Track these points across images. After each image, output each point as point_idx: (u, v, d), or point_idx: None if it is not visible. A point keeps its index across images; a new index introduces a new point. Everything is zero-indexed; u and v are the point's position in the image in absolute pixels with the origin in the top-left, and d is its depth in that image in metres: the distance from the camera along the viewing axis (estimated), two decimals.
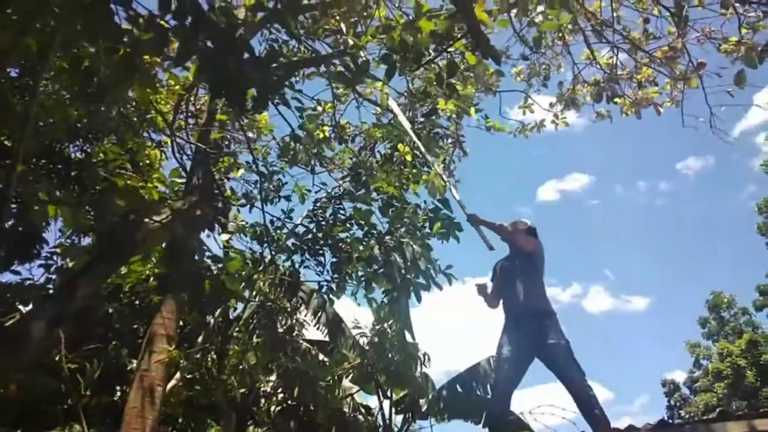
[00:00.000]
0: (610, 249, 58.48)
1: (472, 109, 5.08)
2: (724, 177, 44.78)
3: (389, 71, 2.88)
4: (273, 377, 5.71)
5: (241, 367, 5.33)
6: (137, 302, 5.71)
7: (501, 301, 4.83)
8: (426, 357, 6.00)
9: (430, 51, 2.81)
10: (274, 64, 2.17)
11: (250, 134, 5.37)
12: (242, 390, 4.96)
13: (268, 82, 2.10)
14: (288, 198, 5.40)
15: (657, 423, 3.48)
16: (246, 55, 1.89)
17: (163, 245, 3.94)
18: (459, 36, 2.72)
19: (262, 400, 5.33)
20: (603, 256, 57.79)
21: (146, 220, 2.85)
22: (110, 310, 5.42)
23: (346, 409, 6.43)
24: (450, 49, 3.04)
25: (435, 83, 3.62)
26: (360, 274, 5.20)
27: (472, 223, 4.78)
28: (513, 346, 4.48)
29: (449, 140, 6.55)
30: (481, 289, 4.79)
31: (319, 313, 7.13)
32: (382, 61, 2.89)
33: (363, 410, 7.24)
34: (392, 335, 5.93)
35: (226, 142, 5.38)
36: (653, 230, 53.54)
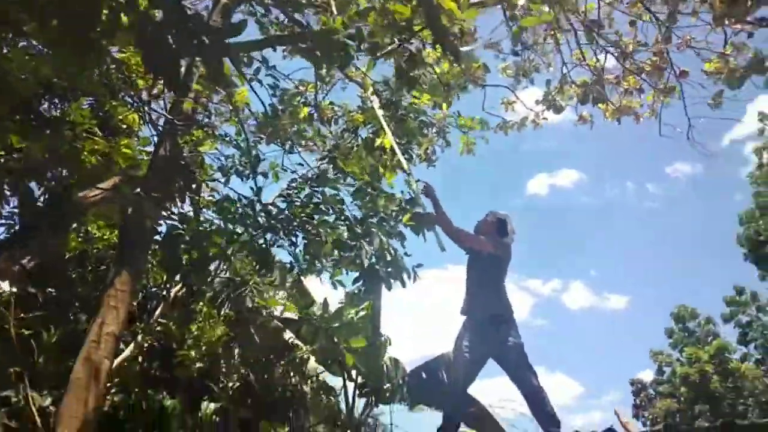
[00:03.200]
0: (594, 247, 59.05)
1: (444, 105, 5.01)
2: (712, 184, 45.23)
3: (371, 50, 2.82)
4: (235, 353, 5.69)
5: (202, 342, 5.30)
6: (103, 268, 5.64)
7: (466, 294, 4.86)
8: (388, 341, 6.02)
9: (395, 39, 2.74)
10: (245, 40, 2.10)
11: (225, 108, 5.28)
12: (201, 365, 4.92)
13: (224, 56, 2.02)
14: (265, 175, 5.33)
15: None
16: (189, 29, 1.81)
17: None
18: (421, 27, 2.65)
19: (222, 377, 5.29)
20: (587, 253, 58.38)
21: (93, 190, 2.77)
22: (74, 276, 5.35)
23: (307, 389, 6.43)
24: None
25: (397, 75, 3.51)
26: (332, 258, 5.18)
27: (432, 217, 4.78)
28: (471, 344, 4.55)
29: (433, 129, 6.49)
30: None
31: (292, 292, 7.11)
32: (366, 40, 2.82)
33: (326, 391, 7.27)
34: (359, 320, 5.91)
35: (203, 114, 5.28)
36: (638, 232, 54.10)
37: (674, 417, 22.81)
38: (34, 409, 3.54)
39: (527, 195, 60.19)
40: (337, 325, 5.04)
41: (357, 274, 4.85)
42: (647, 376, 27.30)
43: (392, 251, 5.09)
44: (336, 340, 5.29)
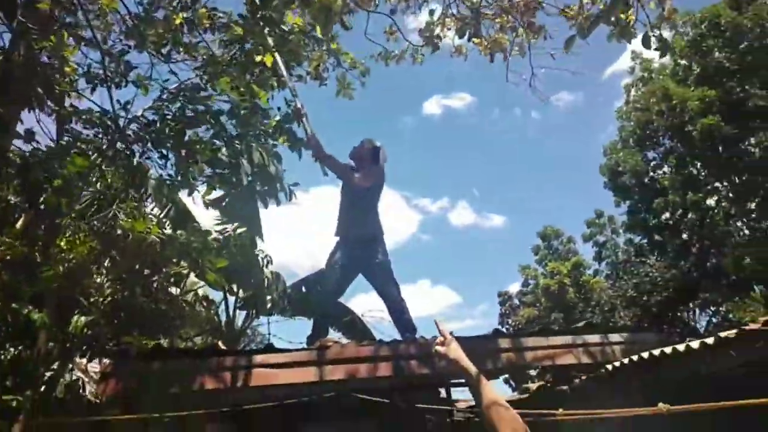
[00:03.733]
0: (480, 168, 62.28)
1: (318, 29, 5.01)
2: (590, 115, 48.84)
3: None
4: (106, 268, 5.59)
5: (70, 256, 5.15)
6: None
7: (339, 216, 5.17)
8: (269, 259, 6.23)
9: None
10: None
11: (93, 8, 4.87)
12: (68, 280, 4.83)
13: None
14: (136, 84, 5.07)
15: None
16: None
17: None
18: None
19: (93, 291, 5.23)
20: (473, 174, 61.57)
21: None
22: None
23: (185, 303, 6.53)
24: None
25: None
26: (206, 174, 5.15)
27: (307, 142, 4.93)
28: (341, 262, 4.97)
29: (323, 46, 6.43)
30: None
31: (168, 208, 6.99)
32: None
33: (206, 304, 7.43)
34: (236, 237, 6.02)
35: (65, 15, 4.84)
36: (519, 156, 57.60)
37: (533, 323, 25.59)
38: None
39: (423, 115, 61.28)
40: (197, 245, 5.11)
41: (226, 192, 4.90)
42: (516, 288, 30.39)
43: (273, 168, 5.18)
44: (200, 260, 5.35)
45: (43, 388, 4.93)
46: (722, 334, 2.36)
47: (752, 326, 2.24)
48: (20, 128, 4.16)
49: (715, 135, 15.01)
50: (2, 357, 5.48)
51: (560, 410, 1.92)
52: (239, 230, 6.06)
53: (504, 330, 25.81)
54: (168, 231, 7.03)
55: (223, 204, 5.87)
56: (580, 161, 50.69)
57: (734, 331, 2.29)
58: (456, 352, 1.96)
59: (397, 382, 3.78)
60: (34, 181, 3.69)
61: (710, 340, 2.41)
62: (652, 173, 19.72)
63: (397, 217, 56.48)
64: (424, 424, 4.57)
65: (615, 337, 3.96)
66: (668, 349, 2.60)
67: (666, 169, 19.13)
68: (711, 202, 18.18)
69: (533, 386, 5.16)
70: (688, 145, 16.46)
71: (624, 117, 21.38)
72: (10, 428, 4.63)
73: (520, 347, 3.83)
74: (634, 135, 19.91)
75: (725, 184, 16.73)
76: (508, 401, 1.88)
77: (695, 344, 2.52)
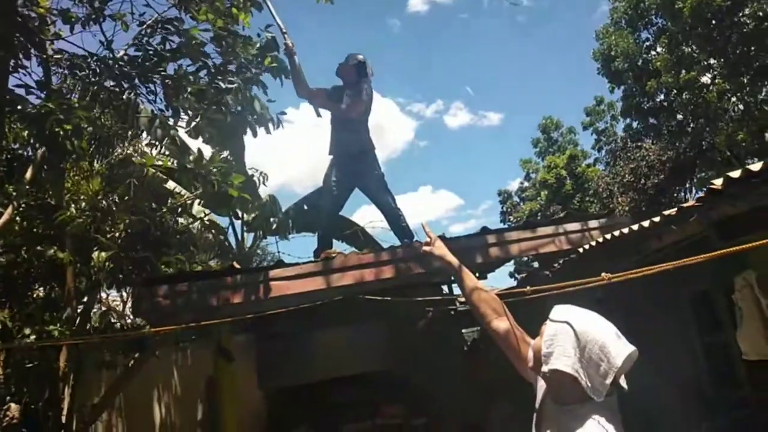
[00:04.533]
0: (472, 64, 60.62)
1: None
2: None
3: None
4: (117, 204, 5.89)
5: (80, 197, 5.44)
6: None
7: (331, 136, 5.38)
8: (264, 176, 6.47)
9: None
10: None
11: None
12: (82, 219, 5.14)
13: None
14: (113, 18, 5.07)
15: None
16: None
17: None
18: None
19: (107, 227, 5.56)
20: (465, 72, 60.08)
21: None
22: None
23: (195, 230, 6.89)
24: None
25: None
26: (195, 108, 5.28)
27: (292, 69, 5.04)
28: (336, 178, 5.25)
29: None
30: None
31: (163, 141, 7.16)
32: None
33: (214, 230, 7.80)
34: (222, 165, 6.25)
35: None
36: (513, 48, 55.76)
37: (535, 215, 26.15)
38: None
39: (408, 13, 58.79)
40: (213, 168, 5.36)
41: (214, 123, 5.04)
42: (517, 185, 30.81)
43: (258, 100, 5.28)
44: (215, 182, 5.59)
45: (77, 320, 5.41)
46: (665, 213, 2.64)
47: (689, 203, 2.50)
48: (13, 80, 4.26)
49: (705, 9, 14.63)
50: (36, 296, 5.94)
51: (528, 288, 2.24)
52: (224, 154, 6.27)
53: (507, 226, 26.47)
54: (169, 164, 7.28)
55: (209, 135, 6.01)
56: (577, 47, 49.16)
57: (674, 210, 2.56)
58: (440, 249, 2.22)
59: (399, 283, 4.16)
60: (51, 131, 3.90)
61: (656, 219, 2.70)
62: (645, 55, 19.38)
63: (393, 125, 55.94)
64: (426, 317, 5.04)
65: (593, 223, 4.28)
66: (625, 230, 2.91)
67: (659, 49, 18.77)
68: (705, 79, 18.00)
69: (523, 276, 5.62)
70: (679, 23, 16.06)
71: None
72: (57, 356, 5.15)
73: (505, 241, 4.18)
74: (625, 15, 19.36)
75: (719, 60, 16.49)
76: (505, 290, 2.20)
77: (645, 224, 2.82)
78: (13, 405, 5.10)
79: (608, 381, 1.57)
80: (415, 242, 4.69)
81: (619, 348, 1.60)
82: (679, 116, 19.14)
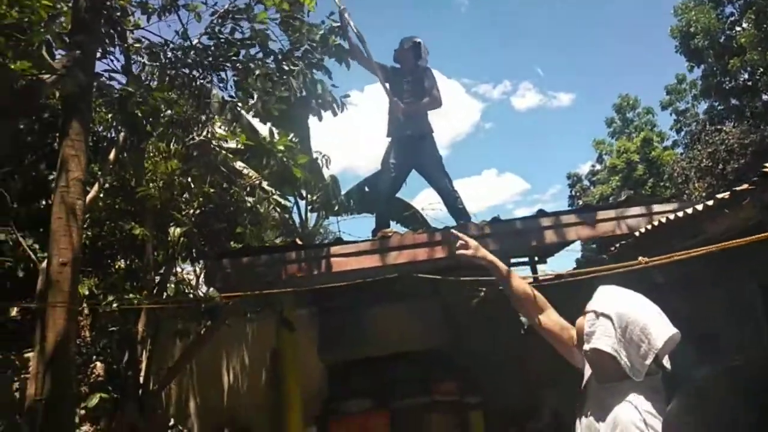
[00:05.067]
0: (541, 44, 58.66)
1: None
2: None
3: None
4: (191, 184, 6.28)
5: (158, 176, 5.85)
6: (47, 117, 5.90)
7: (388, 119, 5.49)
8: (327, 159, 6.68)
9: None
10: None
11: None
12: (161, 196, 5.53)
13: None
14: (187, 8, 5.37)
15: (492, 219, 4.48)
16: None
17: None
18: None
19: (183, 205, 5.95)
20: (534, 52, 58.28)
21: None
22: (21, 126, 5.62)
23: (262, 209, 7.22)
24: None
25: None
26: (263, 92, 5.53)
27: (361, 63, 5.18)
28: (395, 161, 5.37)
29: None
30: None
31: (233, 125, 7.52)
32: None
33: (279, 209, 8.15)
34: (296, 144, 6.50)
35: None
36: (583, 25, 53.44)
37: (606, 200, 25.18)
38: (26, 246, 4.16)
39: None
40: (281, 147, 5.61)
41: (280, 107, 5.26)
42: (587, 169, 29.70)
43: (322, 84, 5.46)
44: (284, 160, 5.83)
45: (155, 290, 5.85)
46: (718, 196, 2.58)
47: (742, 186, 2.43)
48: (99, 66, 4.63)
49: None
50: (118, 267, 6.46)
51: (566, 271, 2.29)
52: (295, 139, 6.53)
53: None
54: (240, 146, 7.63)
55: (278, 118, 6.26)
56: (655, 23, 46.38)
57: (727, 193, 2.50)
58: (481, 251, 2.14)
59: (452, 263, 4.25)
60: (132, 113, 4.25)
61: (710, 202, 2.63)
62: (729, 31, 18.18)
63: (458, 107, 55.19)
64: (479, 297, 5.10)
65: (656, 208, 4.18)
66: (680, 214, 2.86)
67: (744, 25, 17.54)
68: None
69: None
70: None
71: None
72: (136, 323, 5.61)
73: (561, 224, 4.16)
74: None
75: None
76: (535, 276, 2.24)
77: (699, 207, 2.76)
78: (98, 364, 5.63)
79: (648, 361, 1.61)
80: (477, 222, 4.76)
81: (660, 329, 1.64)
82: (765, 97, 17.91)
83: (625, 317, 1.68)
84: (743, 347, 3.88)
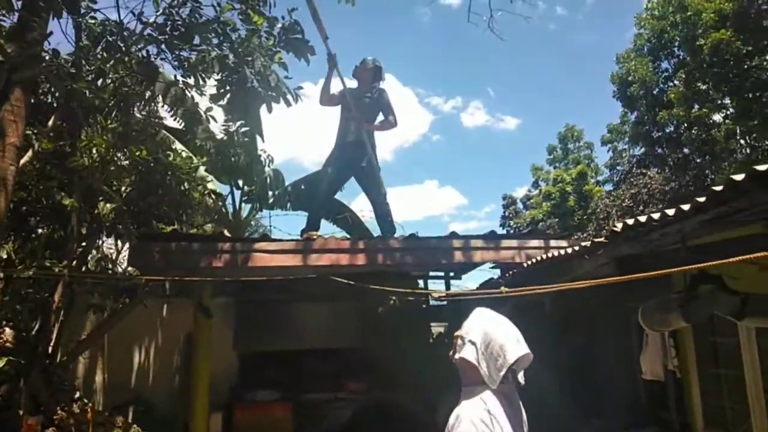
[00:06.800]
0: (496, 65, 60.43)
1: None
2: (615, 14, 46.46)
3: None
4: (126, 161, 6.28)
5: (93, 149, 5.82)
6: None
7: (338, 126, 5.78)
8: (270, 158, 6.88)
9: None
10: None
11: None
12: (93, 169, 5.53)
13: None
14: None
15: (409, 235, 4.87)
16: None
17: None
18: None
19: (114, 181, 5.96)
20: (488, 73, 59.96)
21: None
22: None
23: (196, 195, 7.28)
24: None
25: None
26: (215, 78, 5.66)
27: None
28: (334, 165, 5.66)
29: None
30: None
31: (176, 106, 7.56)
32: None
33: (214, 196, 8.21)
34: (240, 135, 6.63)
35: None
36: (539, 53, 55.60)
37: (536, 224, 26.32)
38: None
39: (438, 4, 58.48)
40: (220, 138, 5.71)
41: (232, 94, 5.40)
42: (522, 192, 30.94)
43: (275, 76, 5.64)
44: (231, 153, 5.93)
45: (75, 262, 5.82)
46: (595, 240, 3.05)
47: (598, 240, 2.88)
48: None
49: (724, 50, 14.85)
50: (39, 235, 6.36)
51: (503, 288, 2.64)
52: (243, 129, 6.67)
53: (504, 232, 26.77)
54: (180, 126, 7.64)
55: (227, 103, 6.36)
56: (604, 65, 48.98)
57: (588, 242, 2.96)
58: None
59: (371, 270, 4.57)
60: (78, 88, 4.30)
61: (577, 248, 3.11)
62: (662, 85, 19.59)
63: (409, 115, 56.01)
64: (395, 305, 5.44)
65: (553, 243, 4.67)
66: (554, 252, 3.32)
67: (676, 82, 18.97)
68: (717, 117, 18.22)
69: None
70: (698, 59, 16.28)
71: (641, 23, 20.78)
72: (52, 293, 5.58)
73: (470, 247, 4.58)
74: (648, 43, 19.54)
75: (731, 101, 16.73)
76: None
77: (569, 250, 3.23)
78: (8, 330, 5.55)
79: (502, 373, 1.99)
80: (398, 237, 5.09)
81: (515, 348, 2.02)
82: (686, 150, 19.38)
83: (489, 335, 2.05)
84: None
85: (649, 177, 20.13)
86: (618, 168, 25.68)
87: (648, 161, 21.28)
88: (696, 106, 17.54)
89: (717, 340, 3.86)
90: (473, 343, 2.07)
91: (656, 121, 19.13)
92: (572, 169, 27.92)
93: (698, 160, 19.34)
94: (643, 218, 2.74)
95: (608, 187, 26.05)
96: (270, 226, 9.32)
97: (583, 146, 29.34)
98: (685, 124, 18.57)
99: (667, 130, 19.88)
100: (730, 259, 1.99)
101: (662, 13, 18.27)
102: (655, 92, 19.52)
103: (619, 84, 20.52)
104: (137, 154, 5.84)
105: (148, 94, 6.77)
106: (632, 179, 21.13)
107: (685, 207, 2.63)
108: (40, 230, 6.24)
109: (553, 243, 4.67)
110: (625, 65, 20.32)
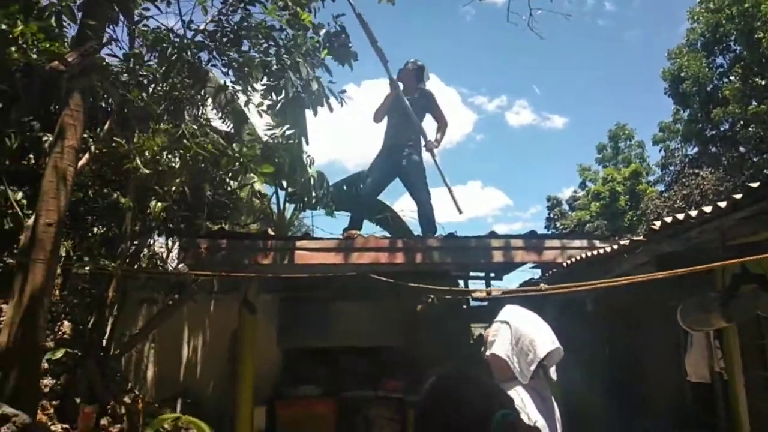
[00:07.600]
0: (542, 63, 59.24)
1: None
2: (666, 8, 44.88)
3: None
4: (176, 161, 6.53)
5: (145, 150, 6.09)
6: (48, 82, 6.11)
7: (384, 129, 5.86)
8: (312, 160, 7.03)
9: None
10: None
11: None
12: (146, 171, 5.79)
13: None
14: None
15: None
16: None
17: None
18: None
19: (166, 181, 6.20)
20: (535, 70, 58.89)
21: None
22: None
23: (243, 195, 7.51)
24: None
25: None
26: (262, 84, 5.83)
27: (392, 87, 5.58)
28: (380, 165, 5.75)
29: None
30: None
31: (226, 109, 7.79)
32: None
33: (259, 196, 8.44)
34: (285, 139, 6.80)
35: None
36: (588, 50, 54.20)
37: (584, 226, 25.70)
38: (14, 202, 4.40)
39: (482, 3, 57.92)
40: (251, 149, 5.86)
41: (278, 100, 5.55)
42: (569, 193, 30.17)
43: (317, 79, 5.76)
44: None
45: (128, 259, 6.11)
46: (634, 238, 3.00)
47: (638, 238, 2.82)
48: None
49: None
50: (96, 232, 6.69)
51: (542, 285, 2.66)
52: (288, 132, 6.83)
53: (549, 233, 26.21)
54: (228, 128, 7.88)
55: (275, 109, 6.54)
56: (655, 61, 47.33)
57: (627, 241, 2.91)
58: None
59: (410, 269, 4.61)
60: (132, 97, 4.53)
61: (615, 246, 3.06)
62: (716, 81, 18.83)
63: (452, 115, 55.62)
64: (435, 304, 5.47)
65: (597, 243, 4.60)
66: (595, 252, 3.28)
67: (732, 77, 18.20)
68: None
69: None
70: (756, 53, 15.59)
71: (695, 17, 20.03)
72: (107, 289, 5.87)
73: (510, 247, 4.56)
74: (702, 38, 18.82)
75: None
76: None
77: (608, 249, 3.18)
78: (66, 322, 5.88)
79: (532, 368, 2.01)
80: (439, 236, 5.13)
81: (545, 343, 2.04)
82: (742, 149, 18.57)
83: (519, 331, 2.07)
84: None
85: (702, 177, 19.36)
86: (670, 168, 24.79)
87: (701, 161, 20.49)
88: (753, 103, 16.79)
89: (765, 342, 3.73)
90: (503, 339, 2.10)
91: (710, 118, 18.41)
92: (624, 168, 27.05)
93: (755, 159, 18.49)
94: (681, 215, 2.70)
95: (660, 187, 25.19)
96: (312, 225, 9.49)
97: (634, 145, 28.32)
98: (741, 122, 17.80)
99: (722, 128, 19.11)
100: None
101: (717, 6, 17.55)
102: (708, 88, 18.78)
103: (671, 80, 19.84)
104: (188, 155, 6.09)
105: (198, 97, 7.04)
106: (684, 180, 20.37)
107: (722, 204, 2.57)
108: (95, 229, 6.57)
109: (597, 244, 4.59)
110: (677, 61, 19.64)
